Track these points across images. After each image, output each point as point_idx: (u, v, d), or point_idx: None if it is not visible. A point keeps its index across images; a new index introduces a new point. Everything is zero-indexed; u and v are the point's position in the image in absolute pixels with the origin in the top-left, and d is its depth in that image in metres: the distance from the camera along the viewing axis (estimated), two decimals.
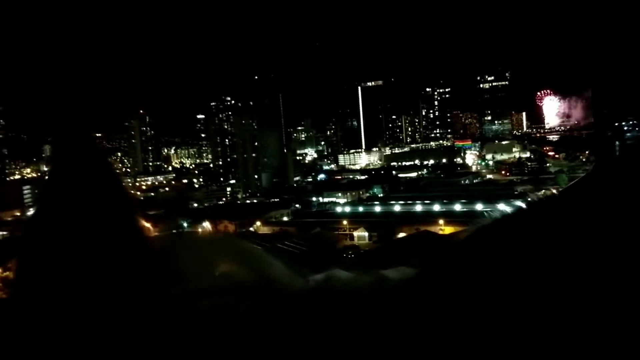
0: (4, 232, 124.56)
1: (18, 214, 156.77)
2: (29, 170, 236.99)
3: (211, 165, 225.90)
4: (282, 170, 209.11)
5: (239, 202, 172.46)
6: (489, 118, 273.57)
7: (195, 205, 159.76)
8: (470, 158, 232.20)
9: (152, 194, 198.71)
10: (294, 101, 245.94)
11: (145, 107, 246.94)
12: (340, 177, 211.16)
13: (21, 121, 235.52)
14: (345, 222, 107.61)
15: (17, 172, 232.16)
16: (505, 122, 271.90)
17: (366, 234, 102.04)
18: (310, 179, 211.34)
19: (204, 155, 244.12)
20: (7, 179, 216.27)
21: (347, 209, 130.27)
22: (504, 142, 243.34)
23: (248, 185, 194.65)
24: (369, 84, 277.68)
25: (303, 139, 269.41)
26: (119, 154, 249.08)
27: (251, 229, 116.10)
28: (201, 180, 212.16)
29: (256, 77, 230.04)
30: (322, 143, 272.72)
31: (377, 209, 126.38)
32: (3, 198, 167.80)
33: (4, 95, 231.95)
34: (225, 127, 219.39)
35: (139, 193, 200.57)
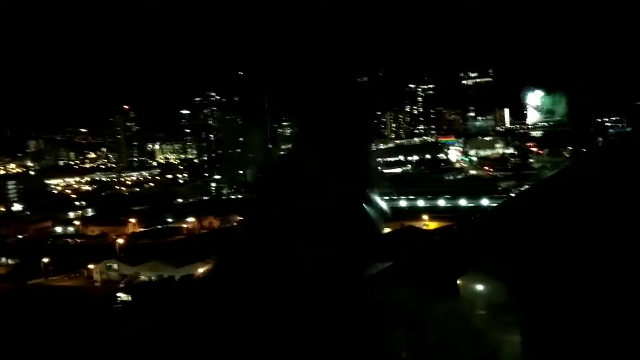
0: None
1: (2, 209, 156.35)
2: (13, 165, 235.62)
3: (196, 161, 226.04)
4: (267, 166, 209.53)
5: (224, 197, 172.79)
6: (473, 114, 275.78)
7: (180, 200, 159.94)
8: (454, 154, 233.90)
9: (137, 189, 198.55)
10: (279, 97, 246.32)
11: (130, 102, 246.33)
12: None
13: (5, 116, 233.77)
14: None
15: (1, 168, 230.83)
16: (489, 119, 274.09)
17: None
18: None
19: (189, 150, 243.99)
20: None
21: None
22: (487, 138, 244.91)
23: (233, 180, 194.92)
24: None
25: (288, 134, 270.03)
26: (104, 149, 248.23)
27: (235, 224, 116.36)
28: (186, 175, 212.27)
29: (241, 73, 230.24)
30: None
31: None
32: None
33: None
34: (210, 122, 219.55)
35: (123, 189, 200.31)
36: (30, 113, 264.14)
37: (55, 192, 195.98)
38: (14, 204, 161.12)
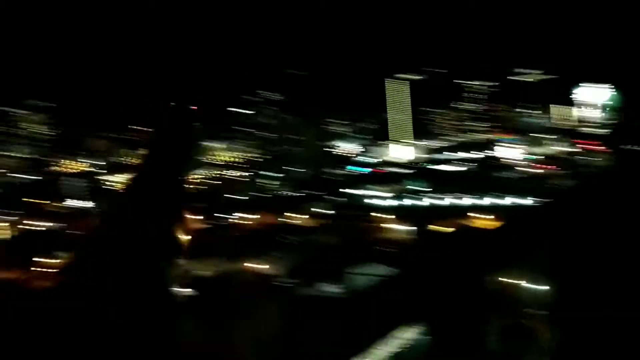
0: (55, 224, 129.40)
1: (65, 205, 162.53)
2: (77, 163, 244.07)
3: (251, 159, 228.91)
4: (318, 163, 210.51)
5: (276, 194, 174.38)
6: (530, 111, 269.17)
7: (235, 197, 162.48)
8: (510, 152, 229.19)
9: (195, 186, 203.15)
10: (331, 94, 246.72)
11: (188, 100, 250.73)
12: (377, 169, 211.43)
13: (72, 116, 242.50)
14: (381, 215, 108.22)
15: (65, 165, 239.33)
16: (547, 116, 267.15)
17: (403, 227, 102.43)
18: (346, 172, 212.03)
19: (245, 148, 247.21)
20: (57, 171, 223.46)
21: (384, 202, 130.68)
22: (545, 136, 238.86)
23: (285, 177, 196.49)
24: (409, 75, 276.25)
25: (339, 131, 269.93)
26: None
27: (290, 221, 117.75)
28: (240, 173, 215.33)
29: (292, 71, 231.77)
30: (359, 136, 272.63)
31: (415, 202, 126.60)
32: (50, 190, 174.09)
33: (53, 91, 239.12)
34: (264, 120, 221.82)
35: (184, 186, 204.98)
36: (95, 112, 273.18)
37: (116, 189, 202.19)
38: (80, 201, 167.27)
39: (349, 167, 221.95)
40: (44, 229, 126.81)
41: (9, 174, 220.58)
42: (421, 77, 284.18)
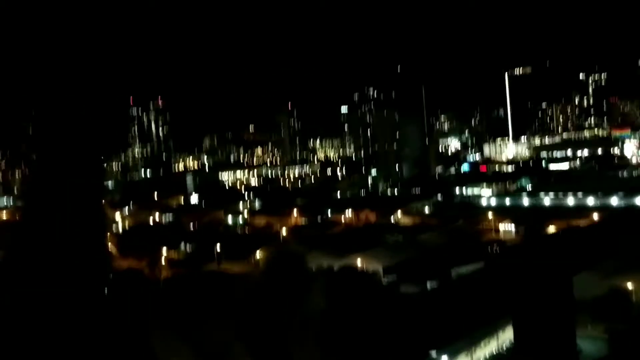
0: (172, 218, 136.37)
1: (181, 200, 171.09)
2: (190, 160, 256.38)
3: (354, 157, 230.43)
4: (424, 161, 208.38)
5: (380, 192, 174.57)
6: None
7: (338, 195, 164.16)
8: (629, 149, 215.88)
9: (299, 184, 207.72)
10: (437, 91, 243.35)
11: (293, 101, 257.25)
12: (484, 168, 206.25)
13: (185, 116, 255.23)
14: (489, 215, 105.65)
15: (180, 163, 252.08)
16: None
17: (512, 227, 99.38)
18: (453, 170, 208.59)
19: (347, 146, 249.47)
20: (173, 169, 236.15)
21: (492, 201, 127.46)
22: None
23: (389, 176, 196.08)
24: (517, 70, 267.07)
25: (446, 129, 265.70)
26: (269, 146, 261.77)
27: (392, 219, 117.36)
28: (344, 171, 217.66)
29: (398, 68, 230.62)
30: (466, 133, 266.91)
31: (525, 202, 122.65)
32: (170, 186, 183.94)
33: (167, 92, 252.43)
34: (368, 118, 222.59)
35: (287, 183, 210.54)
36: (206, 113, 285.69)
37: (227, 185, 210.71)
38: (192, 196, 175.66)
39: (455, 165, 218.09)
40: (158, 222, 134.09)
41: (131, 171, 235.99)
42: (535, 71, 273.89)
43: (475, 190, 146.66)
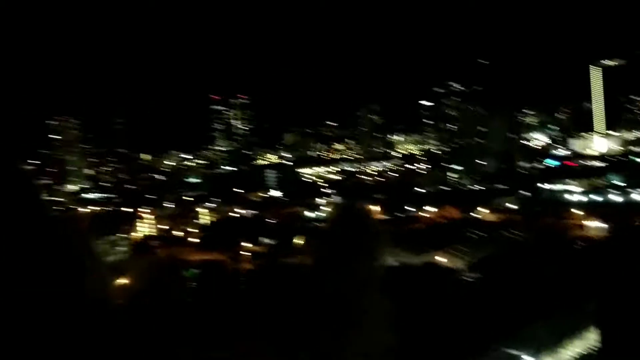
0: (254, 212, 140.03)
1: (262, 195, 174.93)
2: (271, 156, 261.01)
3: (435, 151, 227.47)
4: (508, 156, 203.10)
5: (463, 188, 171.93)
6: None
7: (420, 190, 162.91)
8: None
9: (379, 179, 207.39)
10: (523, 83, 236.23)
11: (373, 96, 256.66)
12: (572, 163, 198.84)
13: (266, 112, 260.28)
14: (576, 211, 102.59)
15: (262, 158, 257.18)
16: None
17: (601, 224, 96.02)
18: (539, 165, 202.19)
19: (429, 141, 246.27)
20: (255, 164, 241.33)
21: (580, 197, 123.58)
22: None
23: (472, 171, 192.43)
24: (608, 62, 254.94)
25: (531, 123, 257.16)
26: (349, 141, 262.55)
27: (475, 215, 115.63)
28: (425, 165, 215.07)
29: (481, 61, 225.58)
30: (552, 127, 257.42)
31: (614, 198, 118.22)
32: (252, 181, 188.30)
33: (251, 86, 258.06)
34: (450, 112, 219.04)
35: (367, 178, 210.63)
36: (287, 108, 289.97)
37: (307, 180, 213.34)
38: (273, 191, 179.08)
39: (539, 160, 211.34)
40: (241, 216, 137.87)
41: (214, 167, 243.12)
42: (623, 63, 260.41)
43: (562, 186, 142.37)
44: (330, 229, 9.54)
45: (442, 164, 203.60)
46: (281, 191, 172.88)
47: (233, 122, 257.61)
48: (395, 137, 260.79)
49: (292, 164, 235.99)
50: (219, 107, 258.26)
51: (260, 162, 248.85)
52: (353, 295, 8.18)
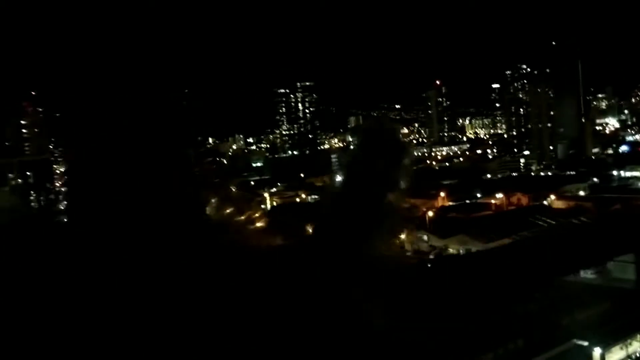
0: (315, 196, 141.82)
1: (326, 180, 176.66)
2: (336, 140, 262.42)
3: (505, 136, 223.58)
4: (580, 141, 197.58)
5: (532, 174, 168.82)
6: None
7: (489, 176, 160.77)
8: None
9: (447, 164, 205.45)
10: (595, 67, 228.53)
11: (442, 78, 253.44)
12: None
13: (331, 96, 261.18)
14: None
15: (326, 142, 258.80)
16: None
17: None
18: (611, 151, 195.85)
19: (498, 125, 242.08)
20: (319, 148, 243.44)
21: None
22: None
23: (542, 156, 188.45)
24: None
25: (604, 107, 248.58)
26: (416, 124, 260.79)
27: (545, 202, 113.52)
28: (495, 150, 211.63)
29: (553, 43, 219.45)
30: (626, 112, 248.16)
31: None
32: (316, 165, 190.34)
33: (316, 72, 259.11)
34: (520, 96, 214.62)
35: (434, 163, 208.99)
36: (352, 91, 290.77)
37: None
38: (337, 175, 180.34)
39: (613, 146, 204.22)
40: (301, 200, 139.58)
41: (279, 151, 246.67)
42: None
43: (635, 173, 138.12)
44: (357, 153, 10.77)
45: (512, 148, 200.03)
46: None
47: (297, 106, 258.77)
48: (464, 121, 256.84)
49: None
50: (284, 91, 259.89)
51: (325, 146, 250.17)
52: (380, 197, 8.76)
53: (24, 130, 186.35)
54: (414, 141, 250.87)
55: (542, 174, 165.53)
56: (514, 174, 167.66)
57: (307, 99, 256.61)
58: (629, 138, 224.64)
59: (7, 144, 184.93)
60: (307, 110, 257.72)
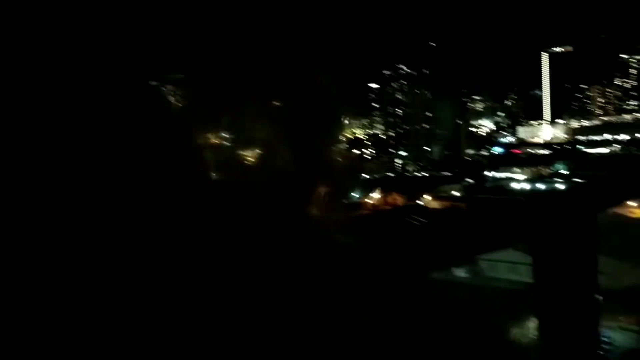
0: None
1: None
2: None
3: (382, 136, 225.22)
4: (455, 143, 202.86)
5: (408, 174, 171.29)
6: None
7: (366, 176, 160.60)
8: None
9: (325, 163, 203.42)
10: (472, 69, 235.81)
11: (322, 77, 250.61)
12: (519, 151, 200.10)
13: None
14: (519, 199, 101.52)
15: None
16: None
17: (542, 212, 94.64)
18: (486, 152, 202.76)
19: (376, 125, 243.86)
20: None
21: (526, 185, 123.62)
22: None
23: (419, 157, 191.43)
24: (556, 49, 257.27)
25: (479, 109, 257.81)
26: None
27: (420, 202, 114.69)
28: (372, 151, 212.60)
29: (432, 44, 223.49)
30: (500, 114, 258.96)
31: (560, 187, 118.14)
32: None
33: None
34: (398, 97, 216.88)
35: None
36: (226, 90, 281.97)
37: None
38: None
39: (487, 147, 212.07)
40: None
41: None
42: (575, 50, 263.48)
43: (508, 174, 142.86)
44: None
45: (388, 149, 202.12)
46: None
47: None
48: (342, 120, 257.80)
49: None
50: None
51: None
52: None
53: None
54: None
55: (417, 174, 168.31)
56: (390, 174, 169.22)
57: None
58: (503, 140, 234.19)
59: None
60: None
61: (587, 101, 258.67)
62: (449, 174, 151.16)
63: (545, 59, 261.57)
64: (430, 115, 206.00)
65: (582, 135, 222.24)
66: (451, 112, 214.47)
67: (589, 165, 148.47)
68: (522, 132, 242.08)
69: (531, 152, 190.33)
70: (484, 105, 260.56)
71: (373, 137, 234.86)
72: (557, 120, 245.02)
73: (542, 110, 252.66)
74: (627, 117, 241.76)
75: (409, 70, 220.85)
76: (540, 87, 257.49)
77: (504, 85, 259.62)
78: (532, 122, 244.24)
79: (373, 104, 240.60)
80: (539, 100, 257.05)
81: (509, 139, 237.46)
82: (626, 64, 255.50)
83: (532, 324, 45.08)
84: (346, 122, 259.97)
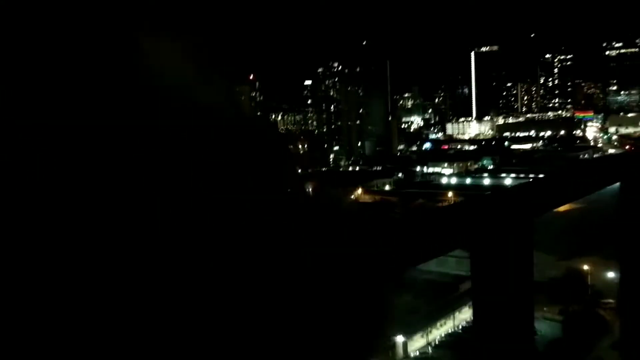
0: None
1: None
2: None
3: (316, 132, 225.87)
4: (387, 139, 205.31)
5: (341, 169, 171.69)
6: (615, 88, 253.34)
7: (299, 171, 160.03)
8: (592, 131, 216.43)
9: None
10: (402, 68, 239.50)
11: (255, 72, 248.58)
12: (447, 146, 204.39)
13: None
14: (450, 194, 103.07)
15: None
16: (633, 93, 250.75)
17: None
18: (415, 148, 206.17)
19: (310, 122, 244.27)
20: None
21: (453, 180, 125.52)
22: (630, 115, 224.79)
23: (351, 152, 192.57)
24: (483, 49, 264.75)
25: (409, 106, 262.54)
26: None
27: (352, 197, 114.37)
28: (305, 146, 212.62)
29: (364, 43, 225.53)
30: (430, 111, 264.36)
31: (486, 181, 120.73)
32: None
33: None
34: (331, 94, 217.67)
35: None
36: None
37: None
38: None
39: (417, 143, 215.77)
40: None
41: None
42: (500, 50, 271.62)
43: (436, 169, 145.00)
44: None
45: (321, 145, 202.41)
46: None
47: None
48: (276, 117, 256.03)
49: None
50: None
51: None
52: None
53: None
54: None
55: (350, 169, 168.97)
56: (323, 168, 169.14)
57: None
58: (432, 136, 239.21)
59: None
60: None
61: (513, 99, 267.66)
62: (380, 168, 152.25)
63: (472, 58, 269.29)
64: (362, 112, 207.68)
65: (507, 132, 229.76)
66: (382, 109, 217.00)
67: (514, 161, 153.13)
68: (450, 128, 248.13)
69: (458, 148, 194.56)
70: (414, 103, 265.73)
71: (307, 133, 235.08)
72: (483, 117, 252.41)
73: (469, 108, 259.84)
74: (550, 114, 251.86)
75: (342, 68, 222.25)
76: (468, 86, 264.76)
77: (434, 84, 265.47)
78: (460, 118, 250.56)
79: (307, 100, 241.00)
80: (466, 97, 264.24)
81: (438, 135, 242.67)
82: (550, 64, 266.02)
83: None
84: (280, 118, 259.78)
